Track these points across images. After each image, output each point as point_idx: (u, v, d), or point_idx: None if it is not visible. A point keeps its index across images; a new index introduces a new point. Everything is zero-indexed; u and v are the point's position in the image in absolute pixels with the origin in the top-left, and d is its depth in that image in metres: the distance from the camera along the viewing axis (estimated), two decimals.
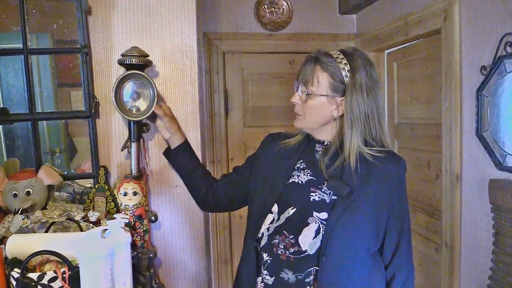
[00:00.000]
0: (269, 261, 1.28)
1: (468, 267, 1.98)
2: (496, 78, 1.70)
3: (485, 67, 1.77)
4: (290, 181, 1.35)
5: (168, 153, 1.57)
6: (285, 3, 3.01)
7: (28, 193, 1.42)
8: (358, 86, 1.27)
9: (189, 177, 1.56)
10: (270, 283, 1.27)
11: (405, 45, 2.64)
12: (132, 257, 1.36)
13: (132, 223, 1.48)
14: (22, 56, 1.48)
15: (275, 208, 1.31)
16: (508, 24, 1.65)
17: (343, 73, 1.28)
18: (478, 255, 1.89)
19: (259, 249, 1.32)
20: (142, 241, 1.51)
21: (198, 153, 1.63)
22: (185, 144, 1.54)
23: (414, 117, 2.61)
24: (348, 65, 1.28)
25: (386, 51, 2.91)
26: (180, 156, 1.54)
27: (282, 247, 1.26)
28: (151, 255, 1.50)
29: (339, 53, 1.31)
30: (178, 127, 1.53)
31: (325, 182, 1.30)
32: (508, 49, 1.63)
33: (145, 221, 1.52)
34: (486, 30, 1.79)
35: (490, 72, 1.73)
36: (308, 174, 1.34)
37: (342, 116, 1.31)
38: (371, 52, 2.93)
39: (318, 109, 1.31)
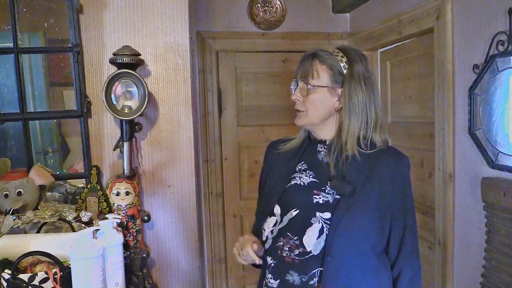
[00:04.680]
0: (272, 264, 1.27)
1: (461, 265, 1.99)
2: (488, 77, 1.70)
3: (477, 66, 1.78)
4: (292, 183, 1.33)
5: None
6: (278, 2, 3.00)
7: (19, 193, 1.41)
8: (356, 76, 1.29)
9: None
10: (275, 286, 1.26)
11: (398, 44, 2.65)
12: (125, 257, 1.35)
13: (125, 223, 1.48)
14: (13, 55, 1.47)
15: (277, 210, 1.30)
16: (500, 22, 1.66)
17: (341, 64, 1.30)
18: (470, 252, 1.90)
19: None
20: (135, 241, 1.50)
21: (191, 153, 1.63)
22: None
23: (407, 116, 2.61)
24: (345, 58, 1.31)
25: (379, 50, 2.91)
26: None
27: (287, 249, 1.24)
28: (144, 255, 1.49)
29: (335, 48, 1.34)
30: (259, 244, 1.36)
31: (328, 183, 1.28)
32: (500, 47, 1.64)
33: (138, 221, 1.52)
34: (478, 29, 1.80)
35: (482, 70, 1.73)
36: (311, 176, 1.33)
37: (342, 108, 1.32)
38: (364, 51, 2.92)
39: (320, 101, 1.31)
